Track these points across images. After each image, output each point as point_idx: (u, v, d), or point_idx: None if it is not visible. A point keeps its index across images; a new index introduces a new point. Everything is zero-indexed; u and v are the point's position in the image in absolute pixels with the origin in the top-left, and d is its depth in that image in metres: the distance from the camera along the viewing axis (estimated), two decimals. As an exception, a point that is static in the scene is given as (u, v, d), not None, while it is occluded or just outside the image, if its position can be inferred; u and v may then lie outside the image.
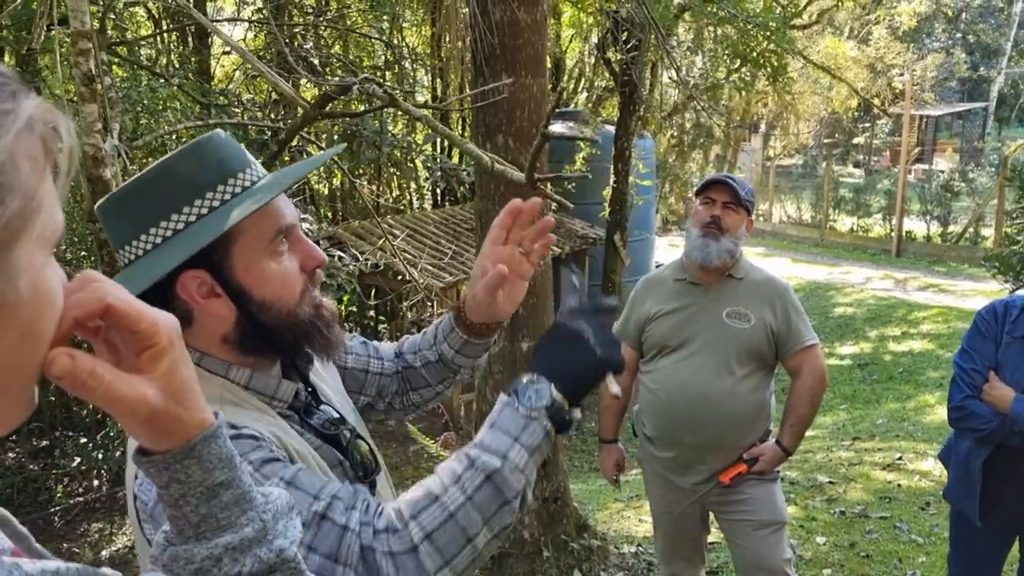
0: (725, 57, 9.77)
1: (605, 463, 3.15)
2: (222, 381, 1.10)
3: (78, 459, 6.66)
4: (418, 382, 1.49)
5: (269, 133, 6.22)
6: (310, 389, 1.23)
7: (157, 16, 8.66)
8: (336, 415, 1.23)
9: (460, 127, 12.28)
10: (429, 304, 8.04)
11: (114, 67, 4.93)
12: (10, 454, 6.90)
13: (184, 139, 5.67)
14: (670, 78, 9.68)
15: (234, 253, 1.06)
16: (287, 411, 1.16)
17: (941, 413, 6.66)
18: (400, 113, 11.15)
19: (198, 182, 1.06)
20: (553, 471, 4.22)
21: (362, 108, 5.93)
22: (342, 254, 7.76)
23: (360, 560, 0.93)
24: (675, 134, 17.87)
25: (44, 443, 7.00)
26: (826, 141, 27.81)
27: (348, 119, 9.50)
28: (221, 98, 5.95)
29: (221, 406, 1.01)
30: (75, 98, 2.25)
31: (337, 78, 10.19)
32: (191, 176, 1.06)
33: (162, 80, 4.40)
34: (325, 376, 1.33)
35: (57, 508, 6.51)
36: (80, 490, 6.93)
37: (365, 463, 1.22)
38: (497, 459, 0.98)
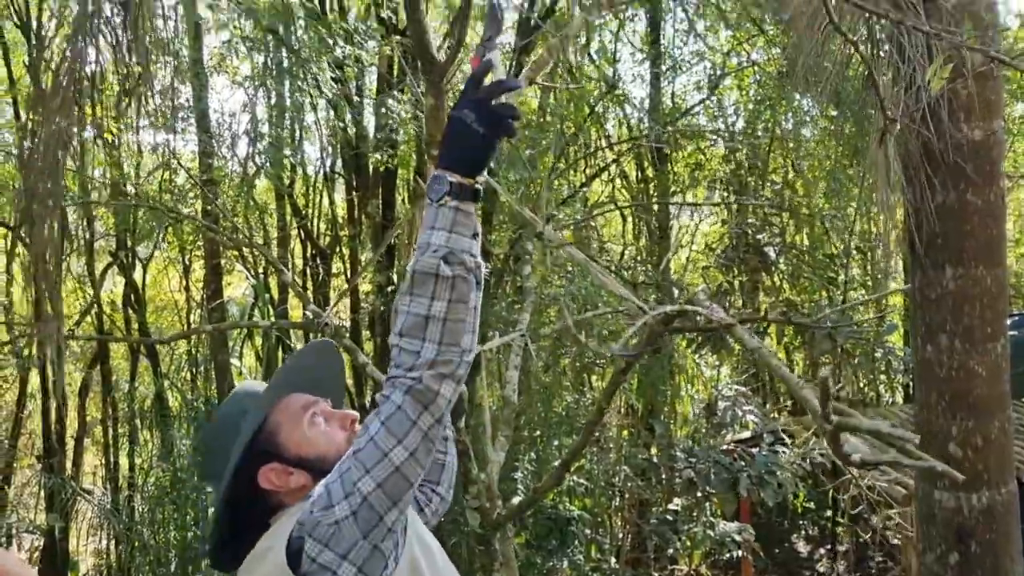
0: None
1: None
2: None
3: None
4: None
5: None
6: None
7: (624, 215, 9.39)
8: None
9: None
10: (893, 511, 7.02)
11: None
12: None
13: (583, 331, 5.90)
14: None
15: (282, 441, 1.46)
16: None
17: None
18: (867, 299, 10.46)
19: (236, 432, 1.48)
20: None
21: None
22: (786, 449, 7.24)
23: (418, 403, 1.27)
24: None
25: None
26: None
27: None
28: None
29: None
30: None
31: (791, 266, 9.96)
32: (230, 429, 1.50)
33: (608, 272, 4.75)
34: None
35: None
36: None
37: None
38: (420, 254, 1.28)
